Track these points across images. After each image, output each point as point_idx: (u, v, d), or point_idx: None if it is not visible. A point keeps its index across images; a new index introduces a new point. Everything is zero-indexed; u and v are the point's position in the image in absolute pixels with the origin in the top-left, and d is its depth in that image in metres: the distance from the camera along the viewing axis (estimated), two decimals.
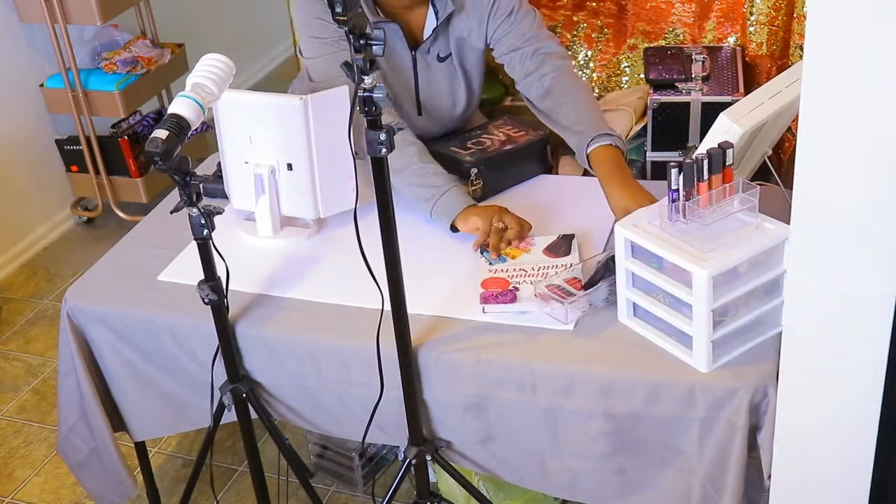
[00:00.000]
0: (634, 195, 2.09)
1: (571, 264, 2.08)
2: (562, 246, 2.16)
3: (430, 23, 2.40)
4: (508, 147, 2.41)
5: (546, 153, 2.49)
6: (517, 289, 2.04)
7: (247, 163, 2.21)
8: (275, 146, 2.18)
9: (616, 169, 2.17)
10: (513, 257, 2.15)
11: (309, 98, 2.11)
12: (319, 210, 2.23)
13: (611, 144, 2.21)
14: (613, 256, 1.93)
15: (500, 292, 2.04)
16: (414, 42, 2.42)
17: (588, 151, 2.22)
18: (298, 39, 2.44)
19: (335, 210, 2.25)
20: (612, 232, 2.08)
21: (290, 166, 2.19)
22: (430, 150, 2.43)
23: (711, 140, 1.89)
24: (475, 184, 2.35)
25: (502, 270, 2.10)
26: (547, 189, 2.42)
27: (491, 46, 2.47)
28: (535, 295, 1.99)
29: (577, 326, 1.95)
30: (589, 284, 1.97)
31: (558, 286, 2.00)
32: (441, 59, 2.46)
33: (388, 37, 2.34)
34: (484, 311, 2.00)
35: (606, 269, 1.98)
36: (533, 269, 2.10)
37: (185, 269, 2.21)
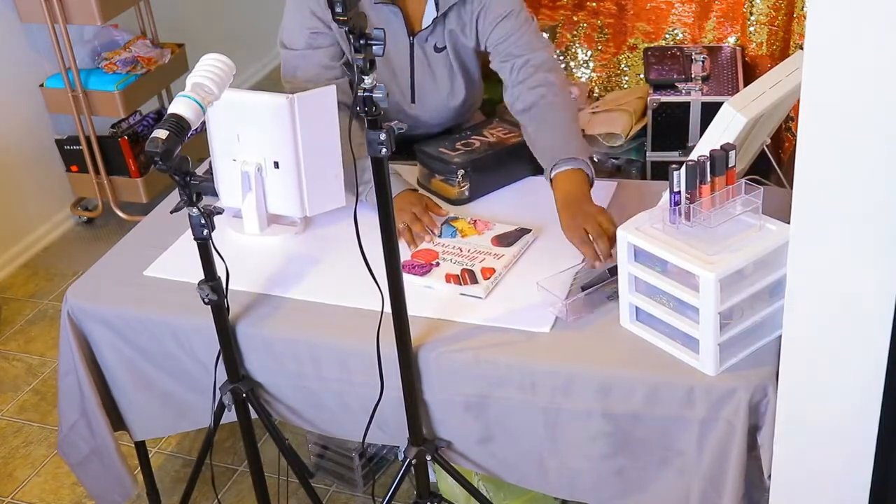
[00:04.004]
0: (586, 215, 2.07)
1: (502, 255, 2.13)
2: (511, 237, 2.20)
3: (430, 12, 2.40)
4: (496, 149, 2.42)
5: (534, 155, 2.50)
6: (438, 265, 2.12)
7: (234, 160, 2.23)
8: (262, 144, 2.20)
9: (570, 193, 2.14)
10: (463, 235, 2.21)
11: (295, 97, 2.13)
12: (306, 208, 2.25)
13: (574, 169, 2.18)
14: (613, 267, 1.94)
15: (420, 264, 2.12)
16: (412, 29, 2.42)
17: (552, 175, 2.20)
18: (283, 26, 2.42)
19: (321, 209, 2.26)
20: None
21: (276, 164, 2.20)
22: (419, 151, 2.43)
23: (715, 129, 1.89)
24: (462, 185, 2.35)
25: (443, 245, 2.19)
26: (534, 191, 2.41)
27: (487, 50, 2.45)
28: (446, 276, 2.09)
29: (577, 327, 1.95)
30: (589, 285, 1.98)
31: (471, 272, 2.08)
32: (438, 50, 2.46)
33: (388, 20, 2.36)
34: None
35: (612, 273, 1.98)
36: (468, 251, 2.17)
37: (172, 264, 2.24)
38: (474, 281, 2.08)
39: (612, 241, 2.00)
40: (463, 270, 2.10)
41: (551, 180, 2.20)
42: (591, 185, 2.19)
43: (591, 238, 2.04)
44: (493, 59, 2.45)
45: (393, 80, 2.46)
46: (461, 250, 2.17)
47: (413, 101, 2.50)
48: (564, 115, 2.31)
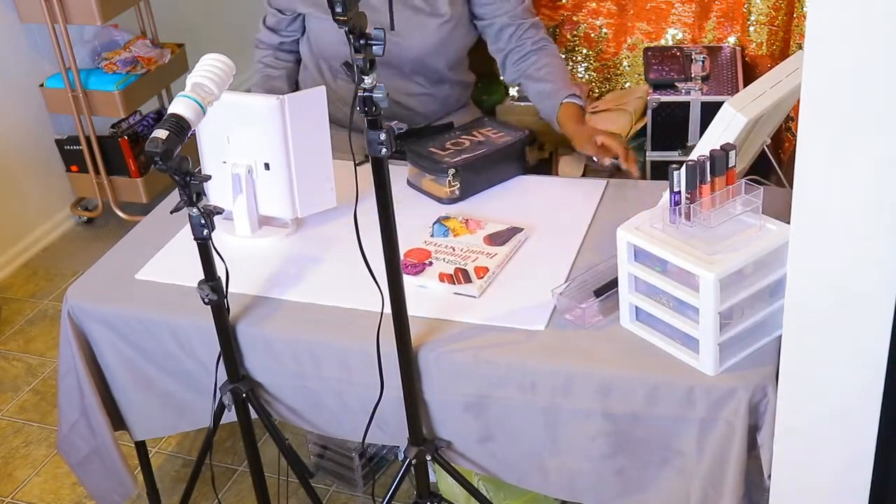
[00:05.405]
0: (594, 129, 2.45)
1: (495, 254, 2.14)
2: (503, 237, 2.21)
3: None
4: (486, 149, 2.43)
5: (524, 154, 2.52)
6: (431, 264, 2.12)
7: (225, 162, 2.23)
8: (252, 146, 2.20)
9: (581, 119, 2.55)
10: (455, 234, 2.21)
11: (286, 98, 2.13)
12: (297, 210, 2.25)
13: (579, 105, 2.55)
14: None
15: (413, 263, 2.12)
16: None
17: (562, 102, 2.54)
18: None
19: (312, 210, 2.27)
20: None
21: (267, 166, 2.20)
22: (409, 150, 2.44)
23: (715, 129, 1.89)
24: (452, 184, 2.36)
25: (435, 244, 2.19)
26: (525, 190, 2.44)
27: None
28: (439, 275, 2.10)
29: (576, 327, 1.95)
30: (601, 291, 1.97)
31: (465, 271, 2.08)
32: None
33: None
34: None
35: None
36: (461, 250, 2.17)
37: (164, 267, 2.25)
38: (468, 280, 2.08)
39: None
40: (456, 269, 2.10)
41: (560, 104, 2.54)
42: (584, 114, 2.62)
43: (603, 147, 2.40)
44: (483, 19, 2.59)
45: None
46: (454, 249, 2.17)
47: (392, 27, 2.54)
48: (561, 62, 2.71)
